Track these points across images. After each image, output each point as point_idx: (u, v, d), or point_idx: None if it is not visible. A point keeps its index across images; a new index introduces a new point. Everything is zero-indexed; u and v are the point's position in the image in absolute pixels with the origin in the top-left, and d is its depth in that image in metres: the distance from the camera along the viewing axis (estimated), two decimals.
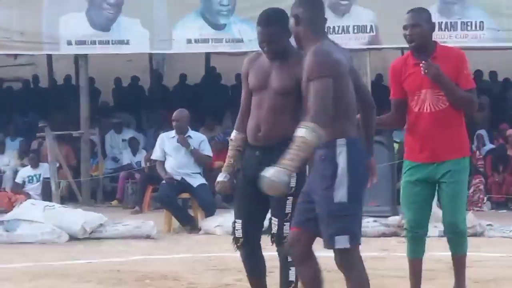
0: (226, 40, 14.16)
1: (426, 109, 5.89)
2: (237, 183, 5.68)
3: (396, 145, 13.64)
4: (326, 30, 5.05)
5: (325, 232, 4.73)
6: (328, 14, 13.96)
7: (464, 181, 6.08)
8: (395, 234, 10.50)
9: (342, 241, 4.67)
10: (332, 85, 4.62)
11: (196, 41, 14.17)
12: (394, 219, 10.90)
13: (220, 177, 5.69)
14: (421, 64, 5.80)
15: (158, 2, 14.22)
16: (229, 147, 5.76)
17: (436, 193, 6.12)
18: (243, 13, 13.91)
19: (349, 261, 4.75)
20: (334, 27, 13.19)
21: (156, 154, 11.66)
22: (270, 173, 4.54)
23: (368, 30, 13.64)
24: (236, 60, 18.77)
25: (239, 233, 5.58)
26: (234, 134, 5.72)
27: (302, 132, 4.55)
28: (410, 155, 6.12)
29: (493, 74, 19.11)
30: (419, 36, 5.85)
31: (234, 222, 5.62)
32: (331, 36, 15.54)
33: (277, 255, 5.61)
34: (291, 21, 4.94)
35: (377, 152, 12.10)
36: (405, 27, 5.90)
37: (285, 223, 5.46)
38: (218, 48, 14.96)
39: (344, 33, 13.66)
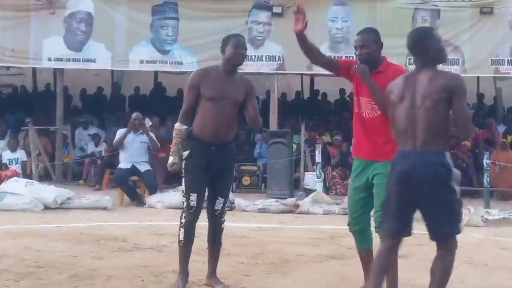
0: (170, 62, 14.07)
1: (365, 114, 4.86)
2: (189, 166, 5.15)
3: (294, 146, 13.53)
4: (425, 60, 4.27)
5: None
6: (247, 46, 13.93)
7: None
8: (291, 212, 10.48)
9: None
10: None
11: (147, 61, 14.04)
12: (291, 200, 10.96)
13: (174, 160, 5.20)
14: (354, 67, 4.87)
15: (119, 31, 13.99)
16: (177, 137, 5.21)
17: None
18: (183, 42, 13.96)
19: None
20: (251, 56, 13.16)
21: (117, 137, 11.39)
22: None
23: (276, 59, 13.62)
24: (177, 78, 18.70)
25: (193, 203, 5.09)
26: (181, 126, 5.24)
27: None
28: (354, 151, 5.12)
29: None
30: (367, 56, 4.83)
31: (189, 195, 5.11)
32: (247, 63, 15.29)
33: (212, 224, 5.31)
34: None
35: (280, 150, 12.54)
36: (355, 48, 4.90)
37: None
38: (163, 68, 14.72)
39: (258, 61, 13.70)
